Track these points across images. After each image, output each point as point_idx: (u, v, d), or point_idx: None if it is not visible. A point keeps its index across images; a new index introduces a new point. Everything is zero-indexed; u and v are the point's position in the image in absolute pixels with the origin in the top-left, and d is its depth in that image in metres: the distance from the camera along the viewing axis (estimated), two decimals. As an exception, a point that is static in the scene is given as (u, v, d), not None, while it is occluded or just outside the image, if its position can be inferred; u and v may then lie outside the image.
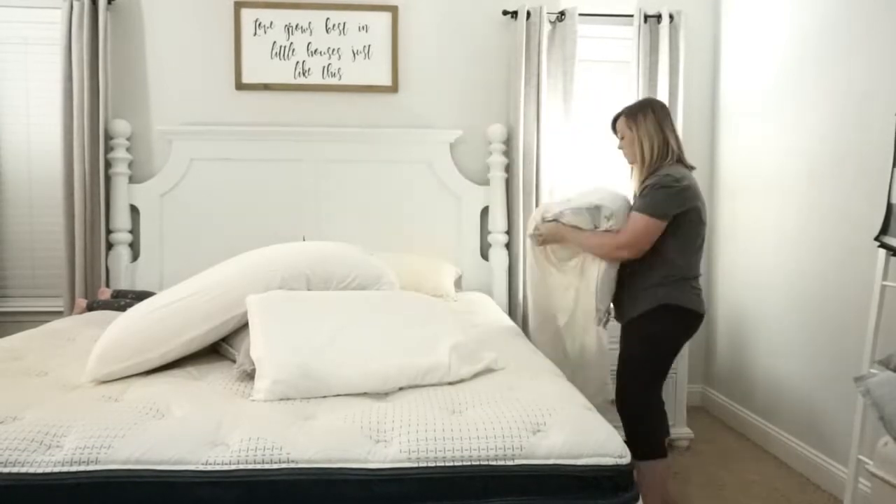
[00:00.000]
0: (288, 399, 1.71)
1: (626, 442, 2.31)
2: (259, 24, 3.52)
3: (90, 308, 3.02)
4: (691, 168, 2.44)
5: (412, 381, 1.81)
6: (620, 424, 2.37)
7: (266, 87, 3.55)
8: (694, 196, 2.33)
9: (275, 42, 3.54)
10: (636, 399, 2.40)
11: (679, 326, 2.39)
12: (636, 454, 2.31)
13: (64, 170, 3.32)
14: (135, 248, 3.49)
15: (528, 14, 3.53)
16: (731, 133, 3.64)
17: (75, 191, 3.31)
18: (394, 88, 3.61)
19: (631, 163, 2.52)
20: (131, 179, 3.46)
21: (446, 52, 3.65)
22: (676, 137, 2.43)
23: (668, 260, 2.33)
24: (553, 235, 2.49)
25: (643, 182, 2.38)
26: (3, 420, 1.53)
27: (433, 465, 1.46)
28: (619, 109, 2.56)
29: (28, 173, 3.50)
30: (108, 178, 3.41)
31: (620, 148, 2.53)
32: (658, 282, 2.34)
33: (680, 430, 3.26)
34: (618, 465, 1.49)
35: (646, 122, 2.40)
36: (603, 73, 3.78)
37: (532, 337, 2.66)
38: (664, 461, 2.38)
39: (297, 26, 3.54)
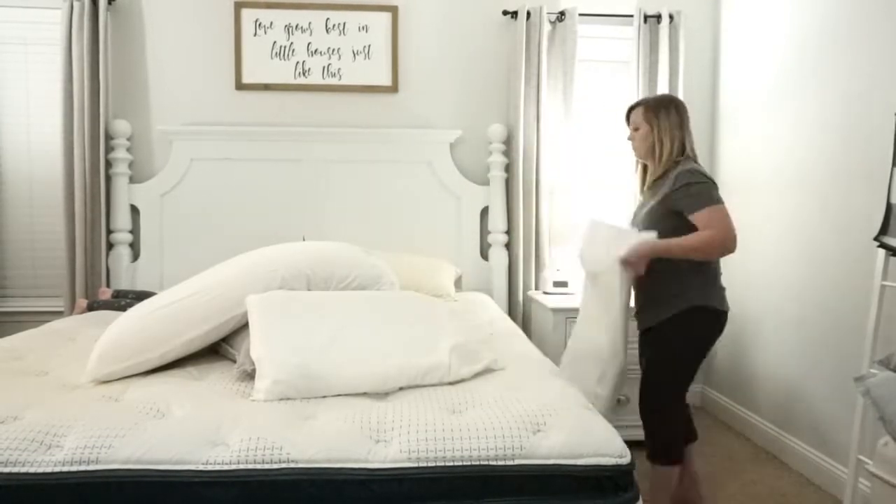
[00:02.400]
0: (288, 399, 1.71)
1: (647, 443, 2.31)
2: (259, 25, 3.52)
3: (90, 308, 3.03)
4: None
5: (412, 382, 1.81)
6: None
7: (266, 87, 3.55)
8: (717, 189, 2.28)
9: (275, 42, 3.54)
10: (662, 402, 2.32)
11: (710, 328, 2.31)
12: (655, 457, 2.30)
13: (64, 170, 3.32)
14: (135, 248, 3.49)
15: (528, 14, 3.53)
16: (731, 133, 3.64)
17: (76, 191, 3.31)
18: (394, 88, 3.61)
19: (640, 157, 2.44)
20: (132, 179, 3.46)
21: (446, 53, 3.65)
22: (692, 140, 2.39)
23: (705, 263, 2.27)
24: (650, 255, 2.23)
25: (657, 180, 2.34)
26: (3, 420, 1.53)
27: (433, 464, 1.46)
28: (631, 102, 2.50)
29: (28, 173, 3.50)
30: (108, 179, 3.41)
31: (630, 139, 2.45)
32: (688, 283, 2.26)
33: (680, 430, 3.26)
34: (618, 465, 1.49)
35: (668, 119, 2.34)
36: (603, 73, 3.78)
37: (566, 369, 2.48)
38: (679, 466, 2.35)
39: (297, 26, 3.55)
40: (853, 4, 2.68)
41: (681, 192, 2.22)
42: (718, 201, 2.21)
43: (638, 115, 2.40)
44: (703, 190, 2.21)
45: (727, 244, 2.20)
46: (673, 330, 2.28)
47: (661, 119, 2.35)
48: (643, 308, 2.39)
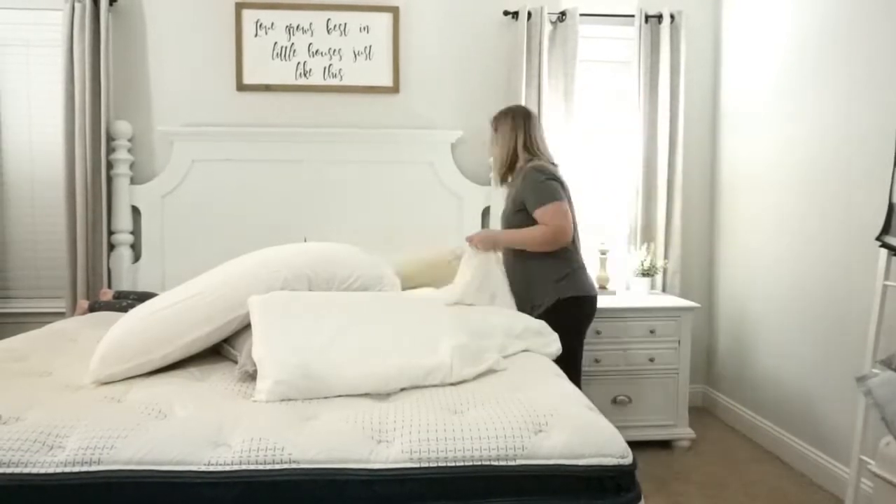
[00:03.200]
0: (289, 400, 1.71)
1: None
2: (260, 25, 3.53)
3: (92, 309, 3.03)
4: (554, 164, 2.74)
5: (414, 382, 1.81)
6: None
7: (267, 87, 3.55)
8: (561, 181, 2.63)
9: (276, 43, 3.54)
10: None
11: (580, 315, 2.64)
12: None
13: (66, 171, 3.32)
14: (136, 249, 3.49)
15: (529, 14, 3.53)
16: (732, 132, 3.64)
17: (77, 192, 3.31)
18: (395, 89, 3.61)
19: (494, 162, 2.83)
20: (133, 180, 3.47)
21: (447, 53, 3.65)
22: (537, 140, 2.73)
23: (553, 256, 2.59)
24: (486, 240, 2.69)
25: (506, 180, 2.78)
26: (6, 421, 1.54)
27: (435, 465, 1.46)
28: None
29: (30, 174, 3.51)
30: (109, 179, 3.42)
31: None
32: (559, 274, 2.59)
33: (681, 430, 3.27)
34: (620, 466, 1.49)
35: (504, 127, 2.74)
36: (604, 73, 3.78)
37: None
38: None
39: (297, 27, 3.55)
40: (853, 4, 2.68)
41: (526, 190, 2.58)
42: (557, 198, 2.53)
43: (492, 124, 2.82)
44: (542, 188, 2.55)
45: (557, 238, 2.54)
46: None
47: (499, 128, 2.75)
48: (520, 295, 2.69)
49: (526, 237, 2.59)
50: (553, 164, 2.73)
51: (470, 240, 2.71)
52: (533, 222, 2.58)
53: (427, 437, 1.49)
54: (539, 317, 2.54)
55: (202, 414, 1.61)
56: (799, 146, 3.02)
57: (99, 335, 2.24)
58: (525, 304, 2.66)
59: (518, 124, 2.72)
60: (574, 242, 2.67)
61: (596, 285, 2.78)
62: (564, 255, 2.62)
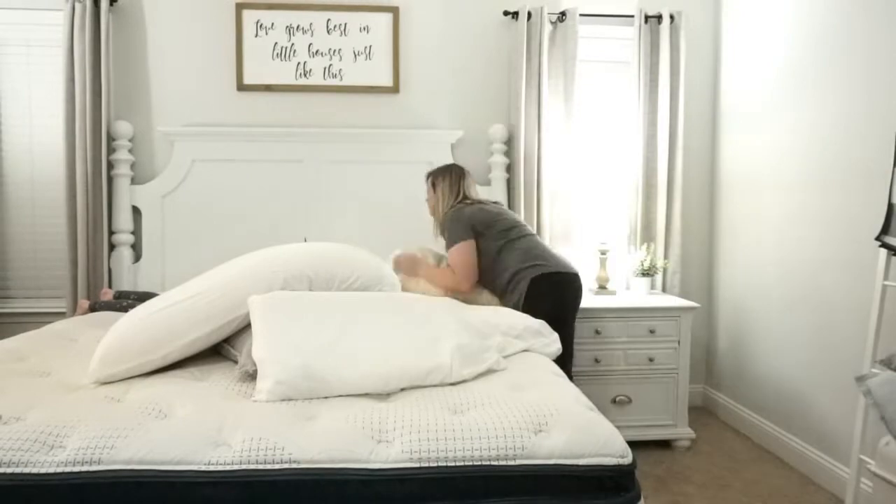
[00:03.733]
0: (290, 400, 1.71)
1: None
2: (260, 26, 3.53)
3: (93, 309, 3.03)
4: (484, 203, 2.89)
5: (413, 383, 1.82)
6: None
7: (267, 87, 3.56)
8: (476, 213, 2.77)
9: (276, 43, 3.54)
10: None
11: (561, 294, 2.70)
12: None
13: (66, 171, 3.32)
14: (137, 249, 3.49)
15: (529, 14, 3.54)
16: (732, 133, 3.64)
17: (77, 192, 3.31)
18: (395, 89, 3.61)
19: (431, 214, 3.00)
20: (133, 180, 3.47)
21: (447, 53, 3.66)
22: (467, 188, 2.92)
23: (505, 267, 2.69)
24: (409, 267, 2.81)
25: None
26: (6, 421, 1.54)
27: (435, 465, 1.46)
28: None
29: (31, 174, 3.51)
30: (110, 180, 3.42)
31: (427, 201, 3.03)
32: (526, 262, 2.68)
33: (681, 430, 3.27)
34: (620, 465, 1.50)
35: (442, 184, 2.92)
36: (604, 73, 3.78)
37: None
38: None
39: (298, 27, 3.55)
40: (853, 4, 2.68)
41: (444, 235, 2.81)
42: (461, 237, 2.71)
43: (427, 184, 2.99)
44: (451, 230, 2.75)
45: (461, 285, 2.71)
46: (529, 309, 2.57)
47: (438, 185, 2.93)
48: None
49: (437, 278, 2.75)
50: (484, 203, 2.90)
51: (396, 260, 2.82)
52: (487, 256, 2.74)
53: (427, 437, 1.50)
54: (521, 310, 2.58)
55: (202, 414, 1.61)
56: (799, 146, 3.02)
57: (99, 335, 2.25)
58: (508, 304, 2.70)
59: (455, 181, 2.93)
60: (527, 237, 2.77)
61: (570, 263, 2.81)
62: (524, 245, 2.72)
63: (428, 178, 3.00)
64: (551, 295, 2.65)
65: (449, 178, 2.93)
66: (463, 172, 2.96)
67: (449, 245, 2.75)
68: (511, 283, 2.69)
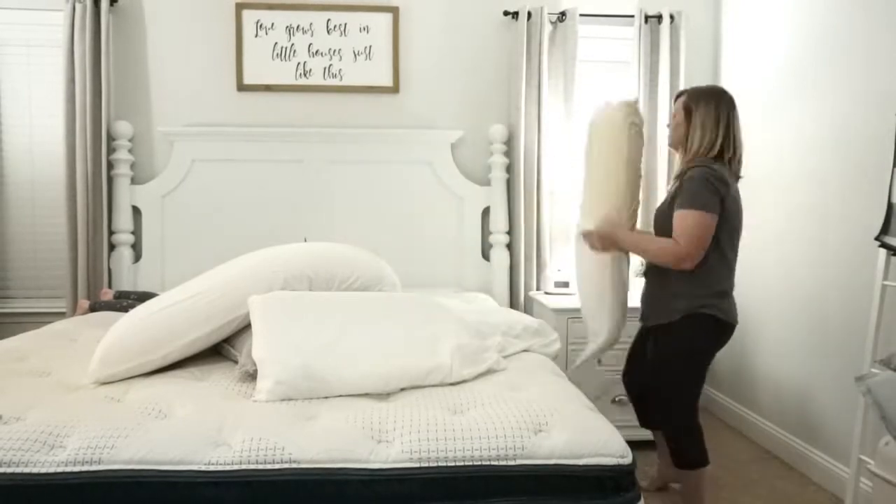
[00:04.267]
0: (290, 400, 1.71)
1: (673, 454, 2.33)
2: (260, 26, 3.53)
3: (93, 309, 3.03)
4: (738, 177, 2.32)
5: (413, 383, 1.82)
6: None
7: (267, 88, 3.56)
8: (736, 193, 2.25)
9: (276, 43, 3.54)
10: (682, 411, 2.32)
11: (707, 338, 2.27)
12: (685, 464, 2.30)
13: (66, 171, 3.32)
14: (137, 249, 3.49)
15: (529, 14, 3.54)
16: (732, 133, 3.63)
17: (78, 192, 3.31)
18: (395, 89, 3.61)
19: (671, 145, 2.39)
20: (133, 181, 3.47)
21: (447, 53, 3.66)
22: (734, 139, 2.27)
23: (709, 267, 2.20)
24: (606, 239, 2.32)
25: (678, 176, 2.25)
26: (6, 421, 1.54)
27: (435, 465, 1.46)
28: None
29: (31, 175, 3.51)
30: (110, 180, 3.42)
31: (668, 126, 2.40)
32: (686, 290, 2.22)
33: (681, 430, 3.26)
34: (619, 465, 1.50)
35: (706, 111, 2.23)
36: (604, 73, 3.78)
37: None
38: (709, 468, 2.37)
39: (298, 27, 3.55)
40: (853, 5, 2.68)
41: (684, 187, 2.18)
42: (703, 207, 2.12)
43: (679, 102, 2.32)
44: (697, 191, 2.13)
45: (682, 260, 2.15)
46: (672, 338, 2.27)
47: (699, 110, 2.24)
48: (647, 307, 2.42)
49: (651, 247, 2.24)
50: (737, 174, 2.34)
51: (587, 236, 2.35)
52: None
53: (427, 437, 1.50)
54: (663, 326, 2.28)
55: (202, 414, 1.61)
56: (798, 146, 3.02)
57: (99, 335, 2.25)
58: (660, 313, 2.31)
59: (724, 115, 2.27)
60: (728, 266, 2.31)
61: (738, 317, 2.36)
62: (717, 272, 2.25)
63: (681, 95, 2.34)
64: (710, 340, 2.29)
65: (720, 106, 2.25)
66: (734, 104, 2.30)
67: (689, 205, 2.13)
68: (690, 296, 2.22)
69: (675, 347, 2.27)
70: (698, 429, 2.34)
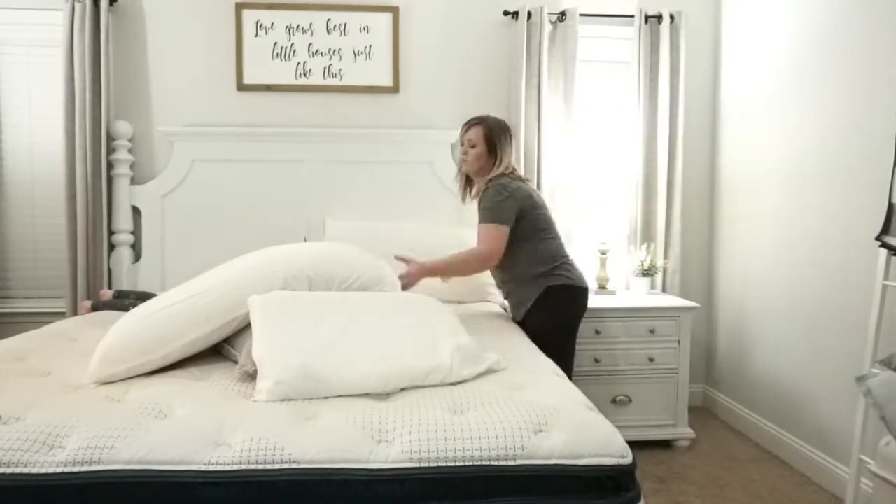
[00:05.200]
0: (290, 400, 1.71)
1: None
2: (260, 26, 3.53)
3: (95, 309, 3.02)
4: (525, 180, 2.80)
5: (414, 383, 1.81)
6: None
7: (267, 87, 3.56)
8: (523, 198, 2.65)
9: (276, 43, 3.54)
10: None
11: (570, 304, 2.69)
12: None
13: (66, 171, 3.33)
14: (136, 249, 3.49)
15: (529, 14, 3.54)
16: (732, 133, 3.64)
17: (77, 192, 3.31)
18: (395, 89, 3.61)
19: (469, 172, 2.83)
20: (133, 181, 3.47)
21: (447, 53, 3.66)
22: (510, 160, 2.78)
23: (534, 254, 2.66)
24: (421, 275, 2.66)
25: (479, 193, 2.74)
26: (6, 421, 1.54)
27: (435, 465, 1.46)
28: (473, 119, 2.84)
29: (30, 174, 3.51)
30: (109, 180, 3.42)
31: (463, 154, 2.80)
32: (547, 267, 2.65)
33: (681, 430, 3.27)
34: (620, 465, 1.49)
35: (507, 143, 2.75)
36: (604, 73, 3.78)
37: None
38: None
39: (298, 27, 3.55)
40: (853, 5, 2.68)
41: (484, 206, 2.64)
42: (502, 221, 2.60)
43: (478, 133, 2.74)
44: (493, 205, 2.61)
45: (488, 262, 2.65)
46: (537, 314, 2.64)
47: (502, 142, 2.73)
48: (512, 307, 2.79)
49: (458, 265, 2.68)
50: (523, 178, 2.81)
51: (406, 285, 2.59)
52: (518, 233, 2.66)
53: (427, 437, 1.49)
54: (528, 312, 2.66)
55: (202, 414, 1.61)
56: (799, 146, 3.02)
57: (99, 335, 2.25)
58: (517, 306, 2.73)
59: (513, 143, 2.83)
60: (556, 239, 2.74)
61: (585, 279, 2.79)
62: (550, 249, 2.69)
63: (476, 125, 2.79)
64: (562, 307, 2.68)
65: (510, 140, 2.79)
66: (508, 131, 2.82)
67: (487, 219, 2.64)
68: (526, 281, 2.68)
69: (540, 325, 2.63)
70: None
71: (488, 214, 2.63)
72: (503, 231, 2.62)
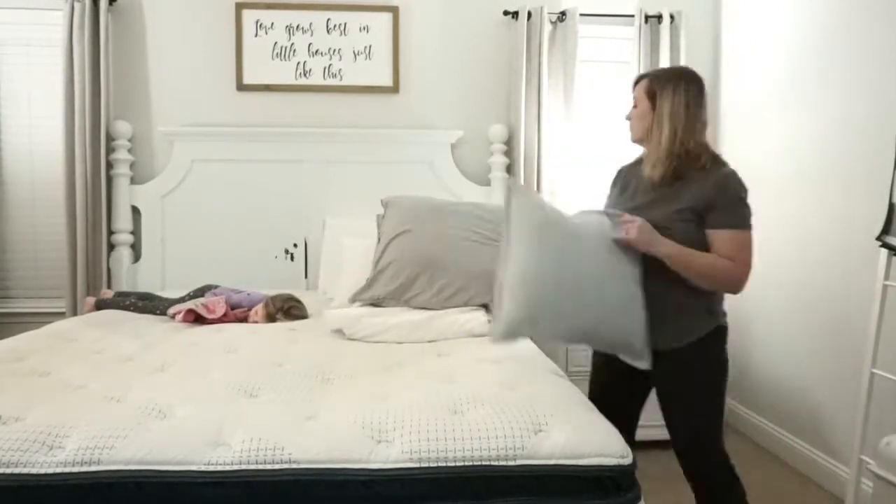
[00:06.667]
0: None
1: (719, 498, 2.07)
2: (260, 25, 3.53)
3: (98, 307, 3.01)
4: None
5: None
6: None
7: (267, 87, 3.55)
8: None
9: (276, 43, 3.54)
10: (718, 443, 2.03)
11: (724, 349, 1.99)
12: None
13: (66, 171, 3.32)
14: (136, 249, 3.49)
15: (529, 14, 3.54)
16: (732, 133, 3.63)
17: (77, 192, 3.31)
18: (395, 89, 3.61)
19: (634, 139, 2.02)
20: (133, 180, 3.47)
21: (447, 53, 3.65)
22: (704, 123, 1.93)
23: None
24: (643, 236, 1.83)
25: (674, 178, 1.89)
26: (6, 421, 1.54)
27: (435, 465, 1.46)
28: (642, 73, 2.07)
29: (30, 175, 3.51)
30: (109, 180, 3.42)
31: (628, 118, 2.02)
32: (710, 300, 1.94)
33: (681, 430, 3.26)
34: (620, 465, 1.49)
35: (674, 98, 1.88)
36: (604, 73, 3.78)
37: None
38: None
39: (297, 27, 3.55)
40: (853, 5, 2.68)
41: (720, 199, 1.84)
42: (750, 226, 1.86)
43: (640, 89, 1.97)
44: (741, 209, 1.85)
45: (739, 285, 1.88)
46: (702, 355, 1.93)
47: (665, 96, 1.90)
48: (655, 324, 1.90)
49: (702, 265, 1.84)
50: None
51: (625, 227, 1.85)
52: (700, 237, 1.86)
53: (427, 437, 1.49)
54: (690, 345, 1.90)
55: (202, 414, 1.61)
56: (799, 146, 3.02)
57: (99, 335, 2.25)
58: (666, 331, 1.91)
59: (695, 99, 1.91)
60: None
61: None
62: None
63: (640, 81, 1.99)
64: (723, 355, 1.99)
65: (685, 90, 1.90)
66: (703, 85, 1.96)
67: (739, 222, 1.84)
68: (701, 310, 1.93)
69: (702, 366, 1.96)
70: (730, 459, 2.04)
71: (740, 213, 1.85)
72: (751, 238, 1.86)
